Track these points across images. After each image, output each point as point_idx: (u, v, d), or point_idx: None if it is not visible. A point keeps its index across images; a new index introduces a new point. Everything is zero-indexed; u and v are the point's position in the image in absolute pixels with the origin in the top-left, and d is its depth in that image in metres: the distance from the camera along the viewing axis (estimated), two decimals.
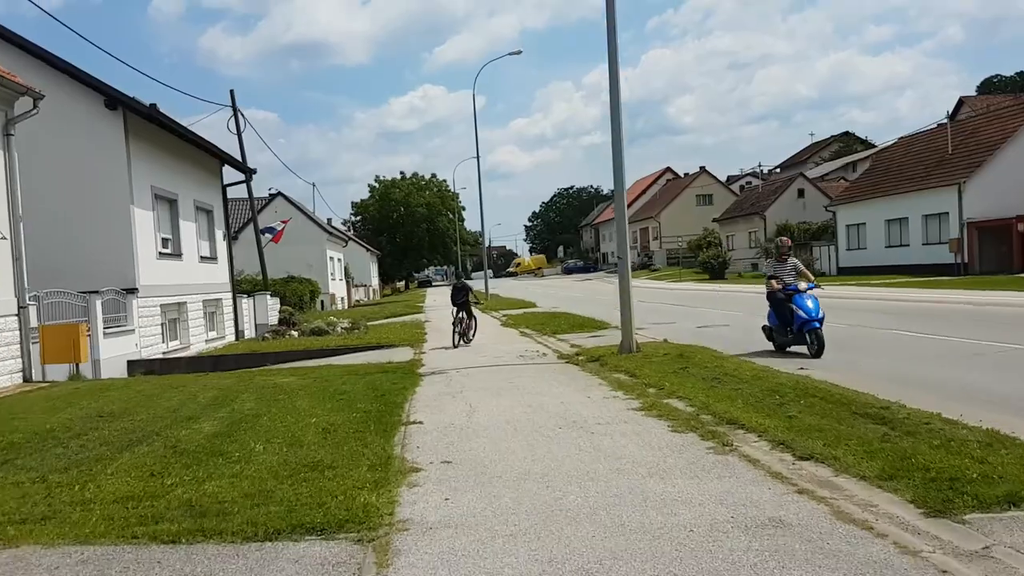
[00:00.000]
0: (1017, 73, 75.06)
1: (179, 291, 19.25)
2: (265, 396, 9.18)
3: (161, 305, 18.20)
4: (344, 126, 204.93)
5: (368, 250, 63.36)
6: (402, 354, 14.81)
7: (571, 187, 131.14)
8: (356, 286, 56.37)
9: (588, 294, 40.71)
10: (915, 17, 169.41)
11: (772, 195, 54.71)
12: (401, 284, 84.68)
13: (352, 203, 79.79)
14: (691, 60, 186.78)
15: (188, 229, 20.27)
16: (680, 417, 6.88)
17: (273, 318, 25.96)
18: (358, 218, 77.50)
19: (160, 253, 18.37)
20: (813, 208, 50.96)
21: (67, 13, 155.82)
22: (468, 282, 17.92)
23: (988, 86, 73.47)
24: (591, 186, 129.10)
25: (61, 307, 14.15)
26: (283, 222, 35.29)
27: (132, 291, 16.63)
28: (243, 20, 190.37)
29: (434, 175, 77.76)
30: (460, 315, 16.13)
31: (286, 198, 42.13)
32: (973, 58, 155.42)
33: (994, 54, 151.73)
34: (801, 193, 53.68)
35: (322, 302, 39.03)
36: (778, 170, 75.26)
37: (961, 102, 55.57)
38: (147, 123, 17.45)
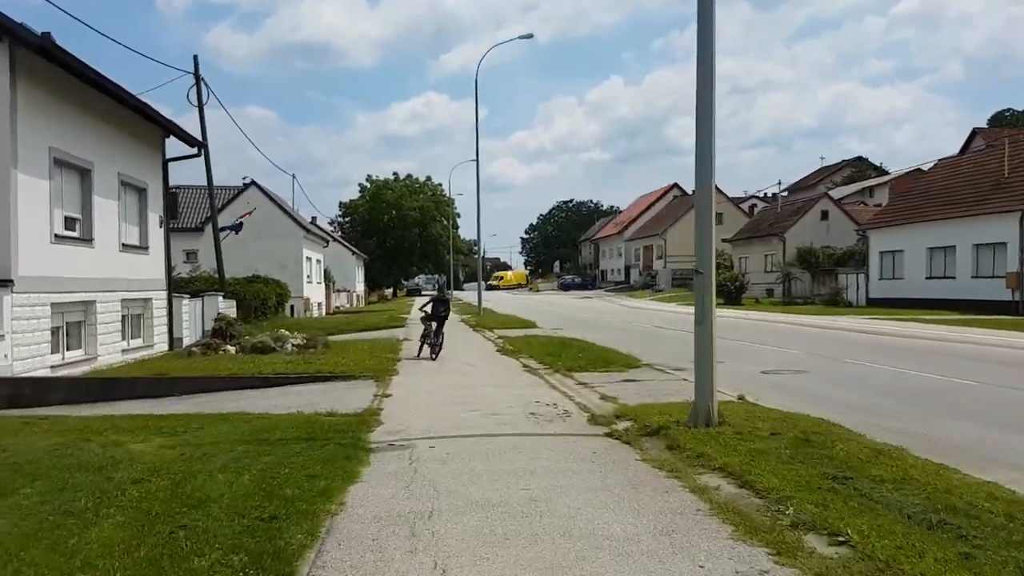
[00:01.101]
0: None
1: (85, 286, 14.84)
2: (58, 497, 4.79)
3: (54, 303, 13.75)
4: (346, 128, 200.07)
5: (354, 253, 58.65)
6: (357, 394, 10.44)
7: (571, 200, 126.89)
8: (338, 291, 51.72)
9: (592, 314, 36.45)
10: (916, 53, 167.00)
11: (793, 216, 50.43)
12: (389, 291, 79.84)
13: (340, 202, 74.92)
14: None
15: (107, 208, 15.88)
16: None
17: None
18: (346, 219, 72.63)
19: (58, 236, 13.96)
20: (837, 232, 46.86)
21: (72, 2, 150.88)
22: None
23: (999, 120, 71.53)
24: (591, 201, 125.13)
25: None
26: (246, 214, 30.83)
27: (5, 283, 12.24)
28: (251, 17, 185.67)
29: (429, 178, 73.17)
30: (435, 327, 16.15)
31: (259, 188, 37.63)
32: (973, 95, 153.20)
33: (996, 92, 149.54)
34: (825, 215, 49.41)
35: (292, 307, 34.47)
36: (785, 193, 71.36)
37: (974, 133, 53.10)
38: (52, 67, 13.15)
